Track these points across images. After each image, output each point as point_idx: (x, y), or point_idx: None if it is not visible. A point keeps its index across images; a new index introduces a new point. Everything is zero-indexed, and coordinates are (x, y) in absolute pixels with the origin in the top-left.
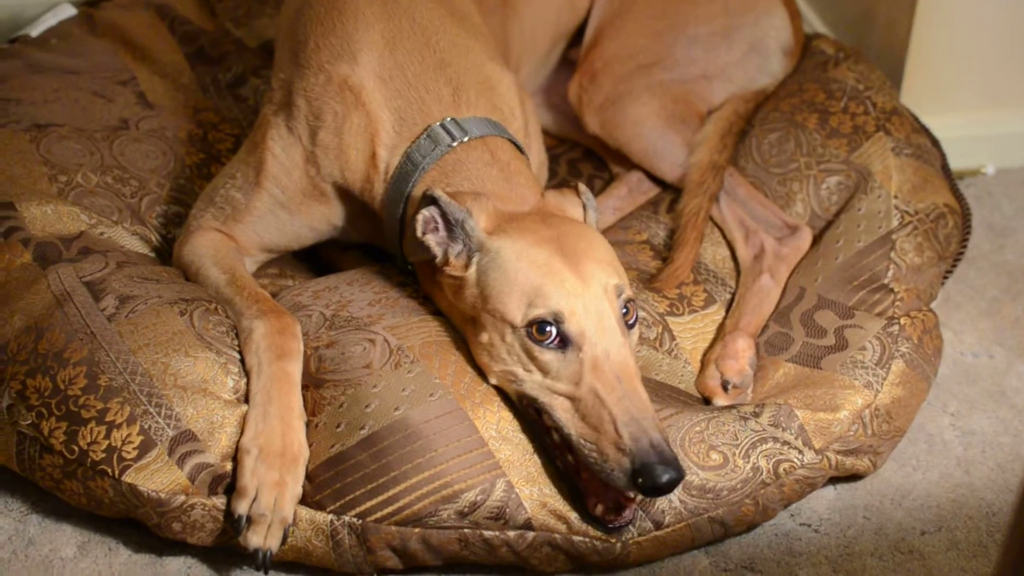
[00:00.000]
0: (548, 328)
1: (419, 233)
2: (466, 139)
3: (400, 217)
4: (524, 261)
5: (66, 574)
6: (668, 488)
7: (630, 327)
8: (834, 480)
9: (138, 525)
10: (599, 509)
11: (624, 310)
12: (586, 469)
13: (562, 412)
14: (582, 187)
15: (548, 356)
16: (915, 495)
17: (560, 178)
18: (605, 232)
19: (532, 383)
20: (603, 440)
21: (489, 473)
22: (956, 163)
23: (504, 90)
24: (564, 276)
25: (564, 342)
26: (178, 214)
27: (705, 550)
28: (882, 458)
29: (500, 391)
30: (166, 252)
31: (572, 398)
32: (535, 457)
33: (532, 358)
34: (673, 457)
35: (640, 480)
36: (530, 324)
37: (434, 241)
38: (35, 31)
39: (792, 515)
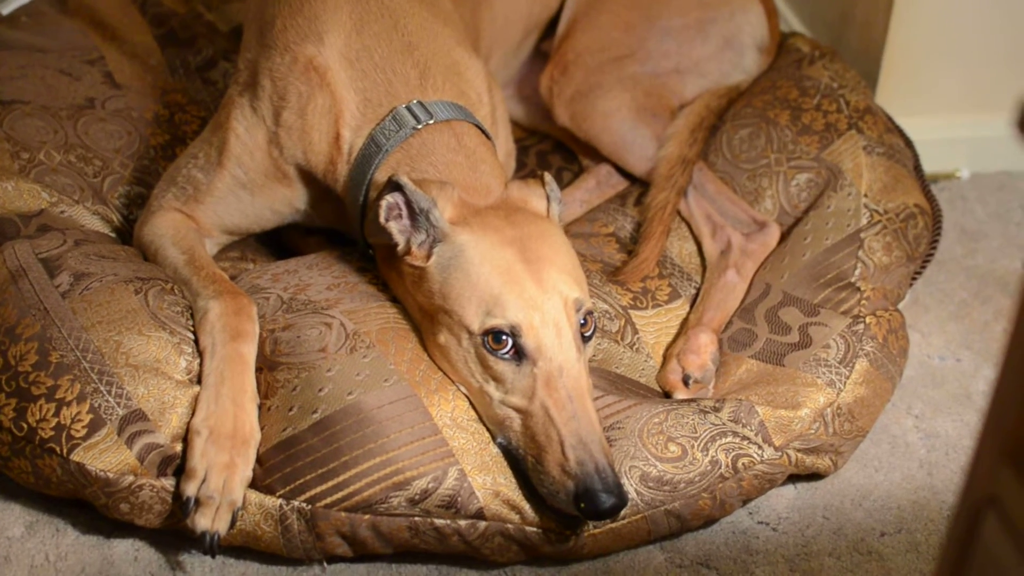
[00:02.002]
0: (504, 338)
1: (382, 219)
2: (431, 122)
3: (363, 200)
4: (486, 265)
5: (12, 553)
6: (609, 514)
7: (587, 339)
8: (794, 479)
9: (87, 506)
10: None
11: (582, 322)
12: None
13: (511, 424)
14: (548, 177)
15: (502, 367)
16: (876, 496)
17: (529, 170)
18: (571, 224)
19: (485, 392)
20: (549, 459)
21: (442, 461)
22: (930, 166)
23: (472, 76)
24: (524, 285)
25: (519, 354)
26: (141, 195)
27: (660, 545)
28: (843, 458)
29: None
30: (127, 232)
31: (523, 412)
32: (490, 446)
33: (486, 367)
34: (617, 483)
35: (582, 505)
36: (486, 333)
37: (396, 228)
38: (6, 9)
39: (750, 513)
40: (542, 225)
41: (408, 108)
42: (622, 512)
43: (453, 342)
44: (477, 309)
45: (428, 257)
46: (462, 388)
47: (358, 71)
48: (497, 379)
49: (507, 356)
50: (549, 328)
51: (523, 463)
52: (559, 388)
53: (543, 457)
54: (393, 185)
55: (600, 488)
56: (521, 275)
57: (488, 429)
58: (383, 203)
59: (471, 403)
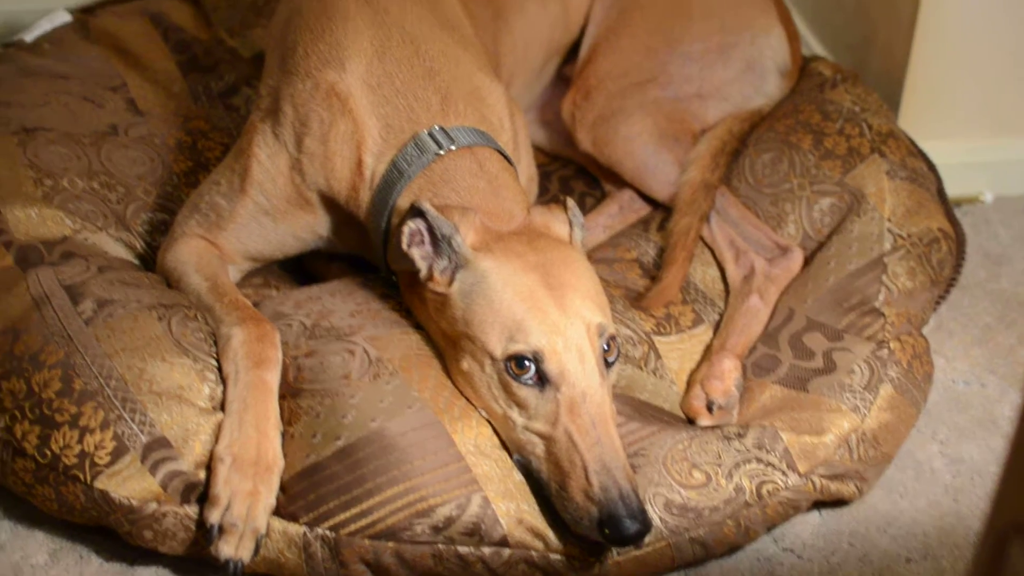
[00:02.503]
0: (527, 364)
1: (404, 245)
2: (453, 147)
3: (385, 226)
4: (508, 290)
5: None
6: (634, 540)
7: (610, 365)
8: (819, 505)
9: (110, 533)
10: None
11: (605, 347)
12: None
13: (535, 450)
14: (570, 202)
15: (525, 393)
16: (901, 522)
17: (551, 195)
18: (594, 249)
19: (509, 418)
20: (572, 485)
21: (465, 488)
22: (954, 190)
23: (494, 101)
24: (548, 311)
25: (543, 380)
26: (164, 221)
27: (685, 572)
28: (868, 484)
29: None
30: (150, 259)
31: (546, 438)
32: (513, 473)
33: (510, 393)
34: (641, 509)
35: (607, 530)
36: (509, 358)
37: (419, 255)
38: (29, 36)
39: (775, 540)
40: (565, 251)
41: (430, 134)
42: (646, 538)
43: (476, 368)
44: (500, 335)
45: (450, 283)
46: (485, 414)
47: (380, 97)
48: (520, 405)
49: (530, 382)
50: (572, 353)
51: (547, 489)
52: (582, 414)
53: (567, 483)
54: (415, 211)
55: (624, 514)
56: (544, 301)
57: (510, 452)
58: (405, 229)
59: (494, 429)
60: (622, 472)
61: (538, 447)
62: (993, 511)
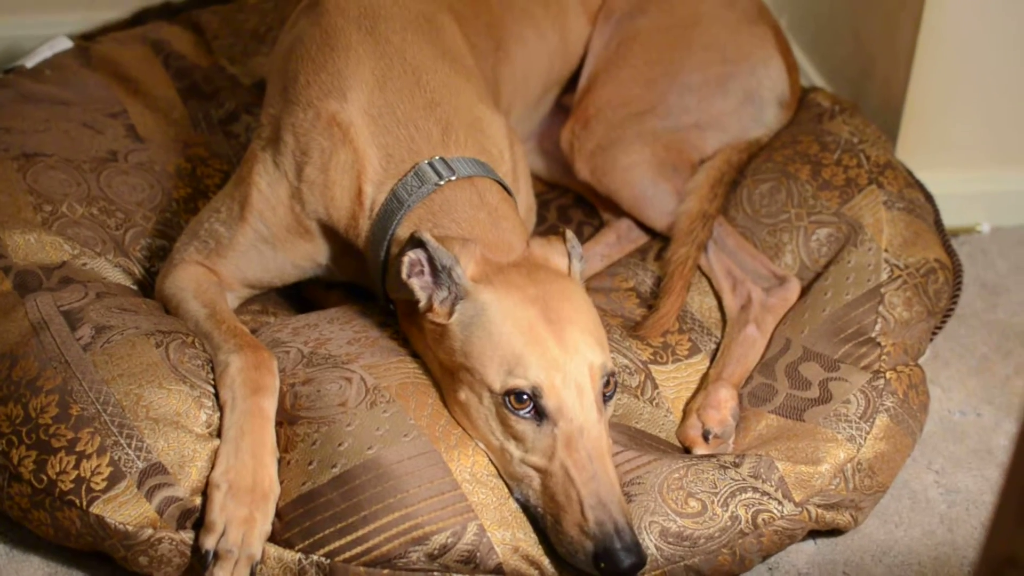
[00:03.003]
0: (525, 398)
1: (404, 275)
2: (454, 178)
3: (384, 256)
4: (508, 324)
5: None
6: (629, 573)
7: (607, 399)
8: (814, 534)
9: (106, 558)
10: None
11: (604, 382)
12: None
13: (531, 483)
14: (569, 234)
15: (523, 427)
16: (896, 552)
17: (549, 224)
18: (592, 279)
19: (505, 450)
20: (568, 519)
21: (461, 516)
22: (951, 220)
23: (494, 132)
24: (547, 346)
25: (540, 414)
26: (163, 248)
27: None
28: (864, 513)
29: None
30: (149, 285)
31: (543, 472)
32: (509, 501)
33: (507, 426)
34: (636, 543)
35: (602, 565)
36: (507, 392)
37: (418, 285)
38: (30, 62)
39: (770, 568)
40: (564, 284)
41: (430, 164)
42: (641, 571)
43: (474, 399)
44: (499, 368)
45: (450, 314)
46: (481, 445)
47: (381, 127)
48: (517, 438)
49: (528, 416)
50: (571, 390)
51: (542, 522)
52: (579, 449)
53: (562, 516)
54: (415, 242)
55: (619, 547)
56: (543, 335)
57: (507, 484)
58: (405, 259)
59: (490, 459)
60: (617, 506)
61: (534, 480)
62: (987, 543)
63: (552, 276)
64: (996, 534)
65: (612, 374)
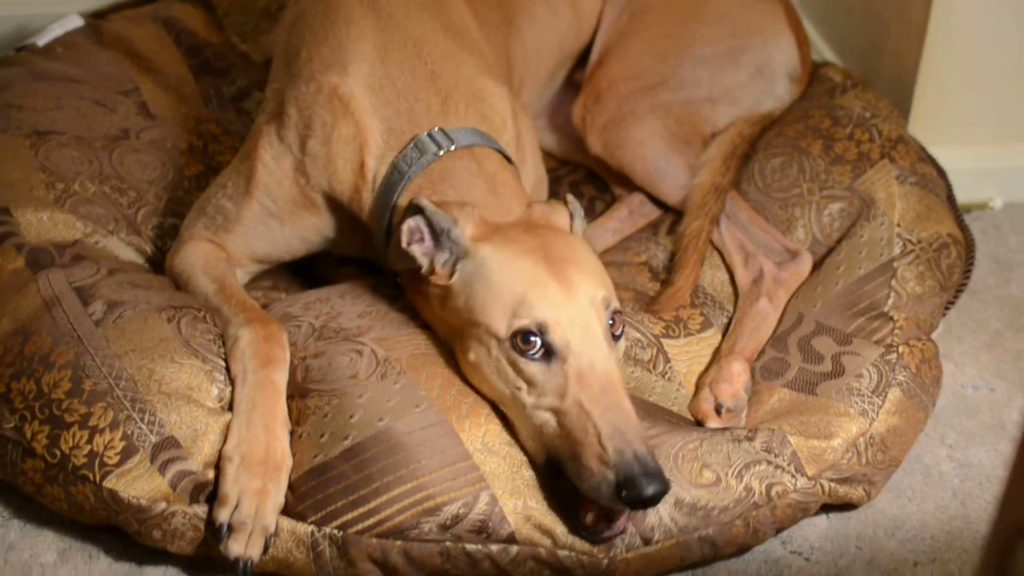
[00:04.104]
0: (532, 339)
1: (404, 243)
2: (452, 148)
3: (387, 227)
4: (508, 271)
5: None
6: (653, 501)
7: (616, 338)
8: (827, 508)
9: (119, 532)
10: (590, 518)
11: (611, 321)
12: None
13: (548, 430)
14: (570, 197)
15: (533, 368)
16: (909, 526)
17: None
18: (604, 253)
19: (519, 400)
20: (587, 453)
21: (473, 486)
22: (963, 196)
23: (496, 102)
24: (549, 286)
25: (549, 353)
26: (174, 225)
27: (693, 573)
28: (876, 488)
29: (488, 401)
30: (161, 263)
31: (558, 412)
32: (522, 470)
33: (518, 371)
34: (658, 469)
35: (624, 493)
36: (514, 335)
37: (419, 251)
38: (42, 41)
39: (783, 542)
40: (565, 236)
41: (430, 135)
42: (655, 537)
43: (483, 353)
44: (503, 314)
45: (451, 275)
46: (495, 401)
47: (381, 99)
48: (529, 382)
49: (537, 356)
50: (577, 325)
51: (563, 464)
52: (592, 383)
53: (581, 452)
54: (414, 208)
55: (640, 473)
56: (545, 278)
57: (526, 450)
58: (404, 227)
59: (507, 423)
60: (635, 434)
61: (551, 424)
62: (999, 514)
63: (552, 231)
64: (1008, 506)
65: (618, 311)
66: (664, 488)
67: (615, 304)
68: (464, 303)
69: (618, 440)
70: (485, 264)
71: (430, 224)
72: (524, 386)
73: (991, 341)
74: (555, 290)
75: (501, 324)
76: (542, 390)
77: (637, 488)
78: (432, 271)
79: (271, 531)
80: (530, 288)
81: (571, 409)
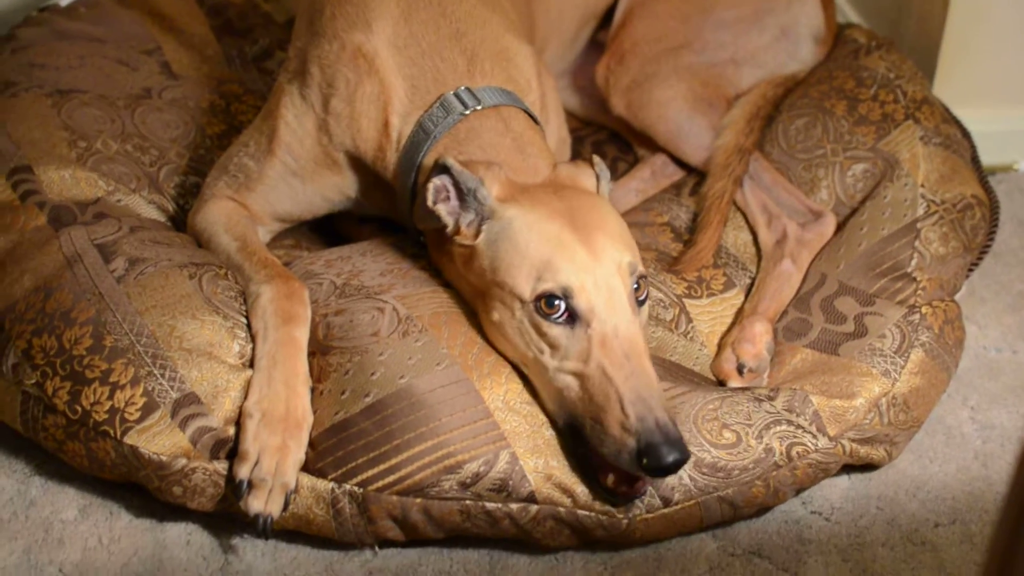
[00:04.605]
0: (557, 302)
1: (430, 202)
2: (479, 108)
3: (411, 186)
4: (535, 233)
5: (66, 536)
6: (673, 469)
7: (640, 303)
8: (848, 469)
9: (140, 490)
10: (611, 480)
11: (635, 286)
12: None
13: (570, 394)
14: (596, 158)
15: (556, 331)
16: (930, 487)
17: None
18: (626, 214)
19: (541, 363)
20: (609, 419)
21: (493, 444)
22: (988, 158)
23: (521, 61)
24: (575, 250)
25: (572, 317)
26: (196, 184)
27: (713, 533)
28: (898, 448)
29: (511, 363)
30: (182, 222)
31: (580, 376)
32: (543, 429)
33: (541, 334)
34: (679, 437)
35: (645, 460)
36: (538, 298)
37: (445, 210)
38: (64, 0)
39: (803, 503)
40: (592, 198)
41: (456, 94)
42: (675, 498)
43: (507, 314)
44: (528, 276)
45: (477, 235)
46: (518, 363)
47: (406, 58)
48: (552, 345)
49: (560, 320)
50: (602, 290)
51: (583, 430)
52: (615, 348)
53: (603, 417)
54: (440, 167)
55: (662, 441)
56: (571, 241)
57: (547, 412)
58: (431, 186)
59: (528, 383)
60: (658, 402)
61: (573, 388)
62: (1018, 471)
63: (579, 193)
64: None
65: (644, 276)
66: (684, 457)
67: (640, 269)
68: (489, 264)
69: (640, 407)
70: (511, 226)
71: (456, 183)
72: (547, 349)
73: (1015, 303)
74: (581, 254)
75: (526, 287)
76: (565, 354)
77: (658, 456)
78: (457, 231)
79: (291, 488)
80: (556, 251)
81: (594, 374)
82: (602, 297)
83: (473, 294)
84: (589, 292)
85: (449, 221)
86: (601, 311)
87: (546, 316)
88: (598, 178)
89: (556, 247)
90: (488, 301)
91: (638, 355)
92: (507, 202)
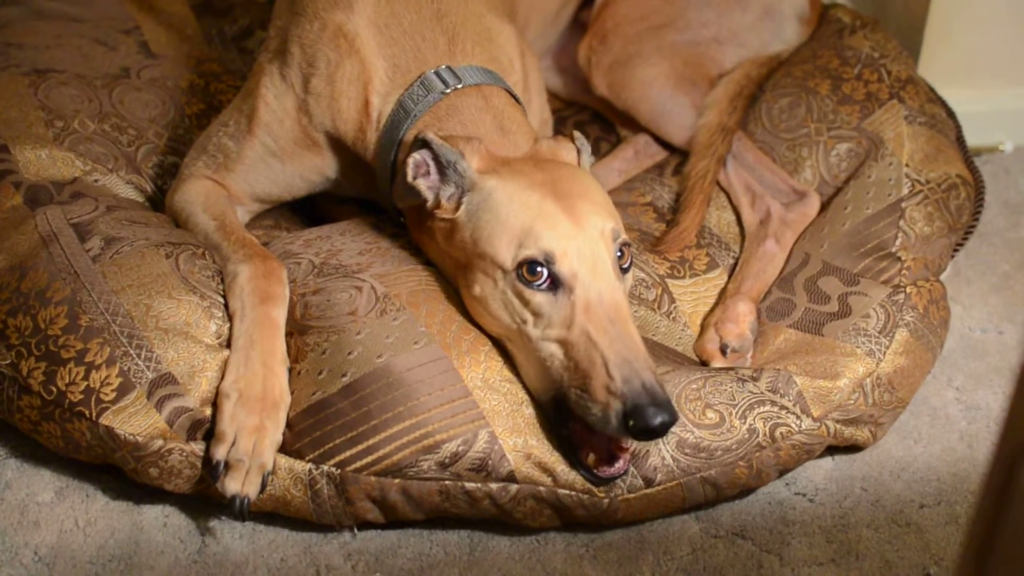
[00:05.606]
0: (539, 269)
1: (410, 178)
2: (460, 86)
3: (391, 165)
4: (515, 203)
5: (42, 518)
6: (661, 431)
7: (624, 271)
8: (832, 450)
9: (116, 471)
10: (591, 458)
11: (619, 254)
12: (578, 419)
13: (554, 363)
14: (576, 133)
15: (539, 298)
16: (915, 468)
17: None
18: (609, 194)
19: (525, 333)
20: (595, 383)
21: (472, 423)
22: (973, 139)
23: (503, 41)
24: (557, 217)
25: (555, 284)
26: (175, 164)
27: (695, 515)
28: (883, 429)
29: (490, 339)
30: (160, 202)
31: (564, 343)
32: (523, 408)
33: (524, 302)
34: (666, 399)
35: (632, 423)
36: (520, 265)
37: (425, 185)
38: None
39: (787, 484)
40: (573, 169)
41: (436, 73)
42: (657, 478)
43: (489, 285)
44: (509, 244)
45: (457, 208)
46: (504, 341)
47: (387, 38)
48: (536, 313)
49: (543, 287)
50: (585, 256)
51: (568, 401)
52: (599, 314)
53: (588, 384)
54: (420, 142)
55: (648, 403)
56: (552, 209)
57: (529, 389)
58: (410, 161)
59: (509, 361)
60: (643, 364)
61: (557, 357)
62: (1003, 434)
63: (560, 165)
64: (1011, 425)
65: (627, 244)
66: (672, 419)
67: (623, 236)
68: (470, 235)
69: (626, 369)
70: (492, 196)
71: (436, 157)
72: (530, 318)
73: (1000, 284)
74: (563, 221)
75: (507, 255)
76: (548, 321)
77: (644, 418)
78: (438, 205)
79: (268, 469)
80: (537, 219)
81: (578, 339)
82: (586, 263)
83: (455, 269)
84: (572, 258)
85: (429, 196)
86: (584, 277)
87: (528, 283)
88: (579, 152)
89: (537, 215)
90: (470, 275)
91: (623, 320)
92: (487, 174)
